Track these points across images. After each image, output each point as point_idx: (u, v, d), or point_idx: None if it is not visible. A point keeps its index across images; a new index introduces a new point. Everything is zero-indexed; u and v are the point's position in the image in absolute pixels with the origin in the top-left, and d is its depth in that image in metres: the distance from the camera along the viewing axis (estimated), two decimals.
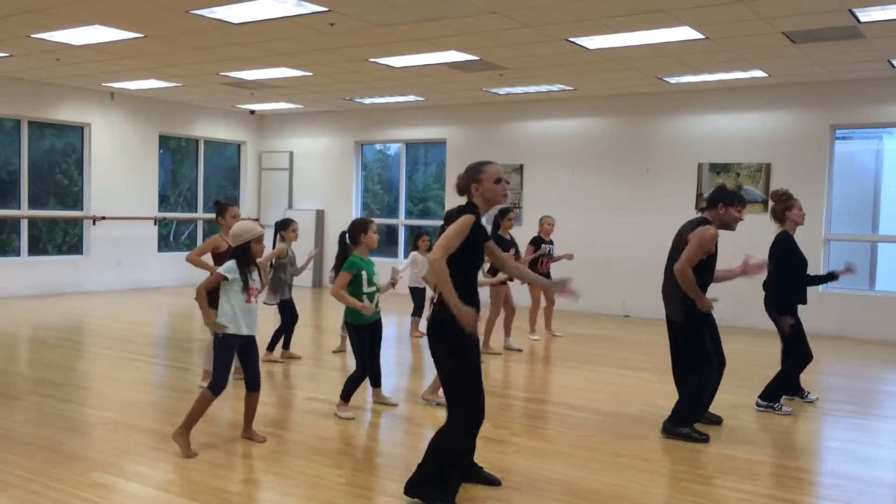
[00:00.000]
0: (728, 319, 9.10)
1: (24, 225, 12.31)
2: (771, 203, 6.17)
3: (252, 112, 15.21)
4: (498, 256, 4.23)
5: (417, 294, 9.10)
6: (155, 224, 13.86)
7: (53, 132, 12.86)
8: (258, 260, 4.80)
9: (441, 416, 4.01)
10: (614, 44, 8.28)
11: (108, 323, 9.84)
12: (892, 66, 9.10)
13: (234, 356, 4.77)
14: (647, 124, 11.56)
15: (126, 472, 4.32)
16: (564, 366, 7.85)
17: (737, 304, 8.90)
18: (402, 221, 14.25)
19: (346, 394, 5.57)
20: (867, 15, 6.95)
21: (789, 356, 6.11)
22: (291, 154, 15.35)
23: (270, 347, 7.47)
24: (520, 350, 8.48)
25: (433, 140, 13.88)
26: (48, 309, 10.88)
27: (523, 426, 5.58)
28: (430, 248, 8.28)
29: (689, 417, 5.28)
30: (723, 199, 5.25)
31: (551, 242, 9.12)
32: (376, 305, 5.55)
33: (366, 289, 5.42)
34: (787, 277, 5.94)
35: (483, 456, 4.40)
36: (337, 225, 12.34)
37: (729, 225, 5.29)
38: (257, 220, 14.01)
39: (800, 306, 6.00)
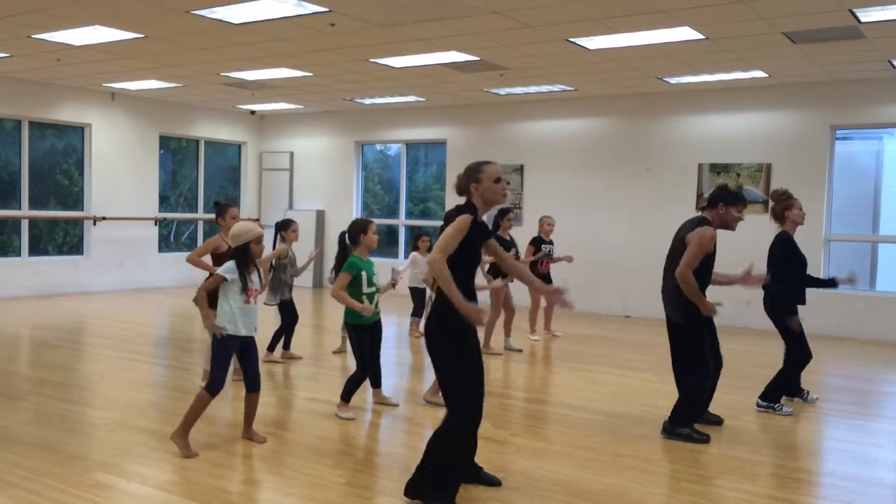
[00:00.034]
0: (728, 319, 9.08)
1: (25, 225, 12.31)
2: (771, 203, 6.17)
3: (252, 112, 15.20)
4: (500, 256, 4.24)
5: (417, 294, 9.09)
6: (155, 224, 13.86)
7: (54, 132, 12.86)
8: (258, 261, 4.80)
9: (441, 416, 4.00)
10: (614, 44, 8.28)
11: (108, 323, 9.84)
12: (893, 66, 9.10)
13: (232, 357, 4.77)
14: (647, 124, 11.55)
15: (126, 472, 4.32)
16: (565, 366, 7.85)
17: (737, 304, 8.88)
18: (402, 222, 14.25)
19: (347, 394, 5.57)
20: (867, 15, 6.95)
21: (790, 356, 6.11)
22: (292, 154, 15.34)
23: (271, 348, 7.47)
24: (520, 350, 8.48)
25: (433, 140, 13.88)
26: (49, 309, 10.88)
27: (523, 426, 5.58)
28: (430, 249, 8.27)
29: (689, 418, 5.27)
30: (724, 199, 5.24)
31: (551, 243, 9.11)
32: (376, 306, 5.55)
33: (365, 289, 5.42)
34: (787, 278, 5.94)
35: (483, 456, 4.40)
36: (337, 225, 12.32)
37: (729, 225, 5.28)
38: (258, 220, 14.05)
39: (800, 306, 6.00)
